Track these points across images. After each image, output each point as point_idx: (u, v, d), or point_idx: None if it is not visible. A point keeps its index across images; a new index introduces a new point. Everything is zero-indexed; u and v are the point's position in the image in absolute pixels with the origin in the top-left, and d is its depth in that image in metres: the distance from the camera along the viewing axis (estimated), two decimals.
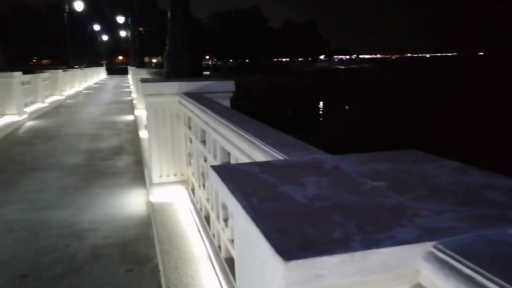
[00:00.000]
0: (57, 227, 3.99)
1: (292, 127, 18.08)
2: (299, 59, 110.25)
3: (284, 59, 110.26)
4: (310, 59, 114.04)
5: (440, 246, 0.72)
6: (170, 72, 4.56)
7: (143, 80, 4.39)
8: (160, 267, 2.91)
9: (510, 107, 28.03)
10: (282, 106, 32.80)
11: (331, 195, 0.98)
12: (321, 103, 36.08)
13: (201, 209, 3.53)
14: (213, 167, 1.25)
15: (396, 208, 0.88)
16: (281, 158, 1.50)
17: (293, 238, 0.76)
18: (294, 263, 0.68)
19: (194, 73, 4.56)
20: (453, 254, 0.69)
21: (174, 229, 3.44)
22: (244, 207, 0.91)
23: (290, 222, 0.83)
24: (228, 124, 2.23)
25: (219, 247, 2.74)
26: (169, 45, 4.61)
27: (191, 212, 3.77)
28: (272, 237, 0.76)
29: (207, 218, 3.25)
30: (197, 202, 3.74)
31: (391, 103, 33.35)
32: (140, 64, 18.88)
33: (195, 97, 3.65)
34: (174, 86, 4.14)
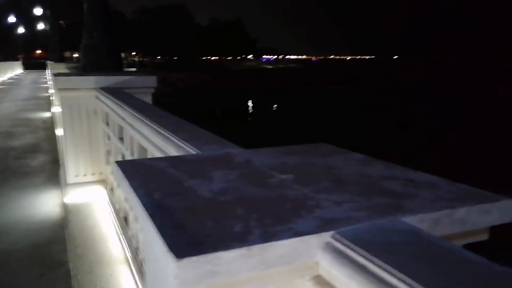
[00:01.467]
0: None
1: (221, 125, 18.04)
2: (228, 58, 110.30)
3: (213, 58, 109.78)
4: (238, 58, 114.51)
5: (337, 236, 0.72)
6: (86, 65, 4.32)
7: (57, 74, 4.12)
8: (73, 271, 2.74)
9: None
10: (211, 104, 32.58)
11: (237, 188, 0.96)
12: (249, 102, 36.38)
13: (120, 210, 3.38)
14: (118, 162, 1.18)
15: (298, 200, 0.87)
16: (194, 152, 1.46)
17: (190, 234, 0.72)
18: (187, 261, 0.64)
19: (113, 67, 4.36)
20: (348, 243, 0.69)
21: (90, 231, 3.26)
22: (144, 203, 0.86)
23: (189, 217, 0.79)
24: (143, 119, 2.14)
25: (137, 248, 2.64)
26: (85, 37, 4.36)
27: (110, 213, 3.61)
28: (167, 233, 0.71)
29: (126, 219, 3.12)
30: (116, 202, 3.58)
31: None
32: (60, 59, 17.95)
33: (113, 92, 3.48)
34: (90, 80, 3.92)
